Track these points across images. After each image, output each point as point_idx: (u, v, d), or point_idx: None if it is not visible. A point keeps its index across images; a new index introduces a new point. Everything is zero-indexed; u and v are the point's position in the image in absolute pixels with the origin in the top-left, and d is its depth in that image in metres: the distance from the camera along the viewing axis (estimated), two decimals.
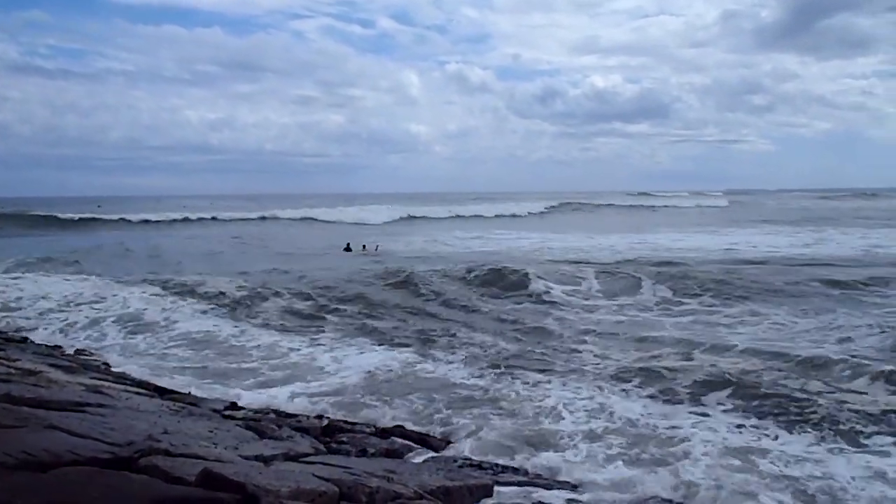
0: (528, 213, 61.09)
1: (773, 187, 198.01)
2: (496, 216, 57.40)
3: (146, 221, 47.36)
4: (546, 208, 64.06)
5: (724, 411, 7.52)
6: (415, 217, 54.72)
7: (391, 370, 9.18)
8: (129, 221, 46.93)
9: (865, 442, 6.53)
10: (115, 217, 48.09)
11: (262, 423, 6.40)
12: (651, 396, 8.13)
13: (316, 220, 51.37)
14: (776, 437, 6.66)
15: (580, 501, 5.31)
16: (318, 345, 11.01)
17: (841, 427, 6.80)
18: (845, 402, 7.55)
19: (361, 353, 10.43)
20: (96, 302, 14.57)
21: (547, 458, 6.22)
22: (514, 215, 58.41)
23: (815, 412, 7.19)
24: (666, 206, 75.26)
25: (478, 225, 47.55)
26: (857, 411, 7.21)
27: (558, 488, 5.53)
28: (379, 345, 10.91)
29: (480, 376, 8.90)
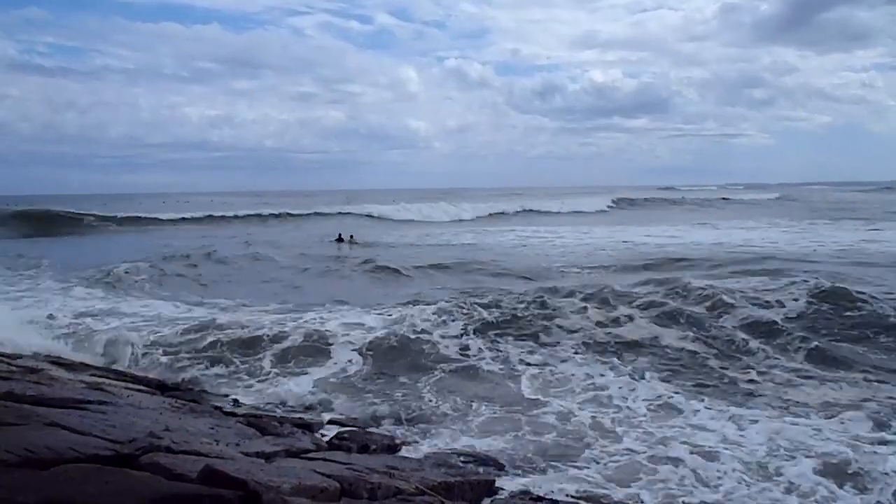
0: (596, 209, 57.63)
1: (773, 181, 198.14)
2: (571, 212, 54.13)
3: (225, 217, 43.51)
4: (609, 205, 60.54)
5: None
6: (516, 212, 51.42)
7: None
8: (197, 219, 42.48)
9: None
10: (177, 216, 42.61)
11: (264, 419, 6.41)
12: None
13: (382, 218, 45.44)
14: None
15: (583, 497, 5.30)
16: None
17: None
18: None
19: None
20: None
21: (550, 453, 6.19)
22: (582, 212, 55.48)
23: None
24: (742, 200, 70.04)
25: (559, 220, 43.43)
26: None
27: (561, 483, 5.52)
28: None
29: None
